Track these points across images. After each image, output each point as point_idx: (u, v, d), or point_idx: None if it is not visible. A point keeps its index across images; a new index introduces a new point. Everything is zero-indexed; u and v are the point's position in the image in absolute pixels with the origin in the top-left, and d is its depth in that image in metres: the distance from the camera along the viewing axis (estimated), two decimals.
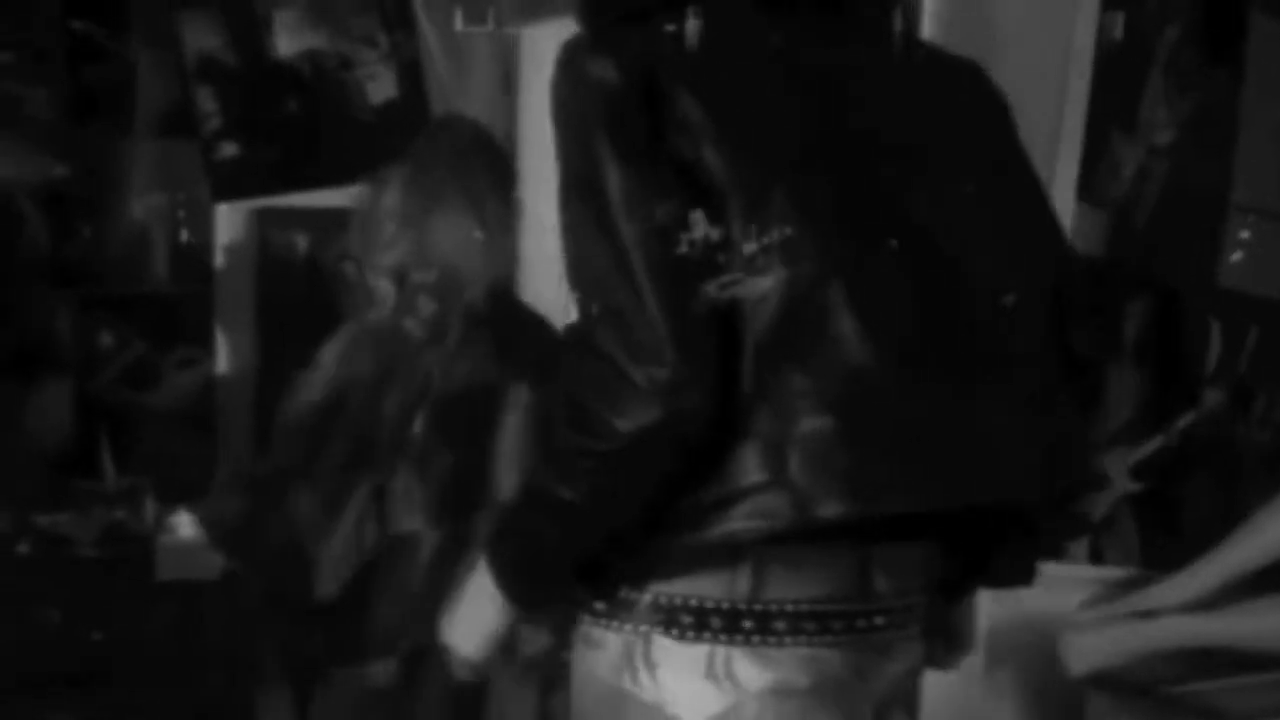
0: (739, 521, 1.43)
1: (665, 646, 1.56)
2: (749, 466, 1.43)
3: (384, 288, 2.58)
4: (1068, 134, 2.25)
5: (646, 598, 1.53)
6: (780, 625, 1.50)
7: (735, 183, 1.43)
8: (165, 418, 3.63)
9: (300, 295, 3.57)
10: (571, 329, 1.50)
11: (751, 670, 1.55)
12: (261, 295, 3.68)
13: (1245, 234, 2.69)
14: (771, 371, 1.43)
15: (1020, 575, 1.71)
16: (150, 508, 3.29)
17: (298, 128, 3.65)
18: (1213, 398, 2.71)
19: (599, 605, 1.57)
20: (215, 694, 2.87)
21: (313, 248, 3.63)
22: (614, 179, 1.43)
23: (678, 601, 1.52)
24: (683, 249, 1.46)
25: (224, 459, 3.63)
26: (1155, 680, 2.26)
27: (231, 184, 3.64)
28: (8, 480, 3.35)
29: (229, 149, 3.62)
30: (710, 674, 1.58)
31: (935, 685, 1.80)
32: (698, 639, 1.52)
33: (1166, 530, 2.57)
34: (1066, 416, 1.57)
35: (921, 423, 1.45)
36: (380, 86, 3.64)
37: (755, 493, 1.43)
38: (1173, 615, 2.22)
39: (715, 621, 1.51)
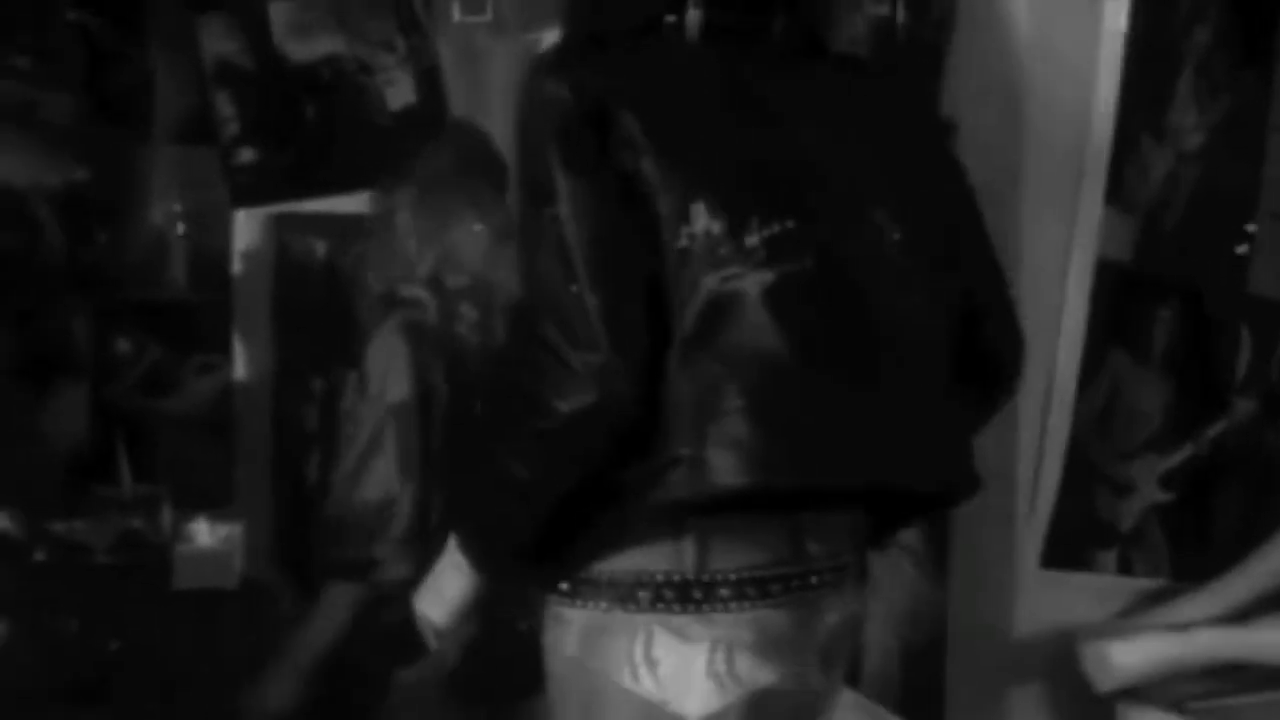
0: (665, 492, 1.62)
1: (666, 644, 1.69)
2: (674, 444, 1.62)
3: (424, 296, 2.58)
4: (1096, 138, 2.22)
5: (604, 576, 1.71)
6: (725, 593, 1.68)
7: (666, 193, 1.63)
8: (183, 424, 3.60)
9: (319, 301, 3.56)
10: (519, 321, 1.72)
11: (752, 665, 1.72)
12: (279, 301, 3.65)
13: (1276, 239, 2.64)
14: (694, 359, 1.62)
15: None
16: (167, 515, 3.25)
17: (316, 133, 3.64)
18: (1243, 406, 2.66)
19: (563, 586, 1.74)
20: (233, 705, 2.84)
21: (331, 253, 3.59)
22: (562, 186, 1.61)
23: (630, 579, 1.70)
24: (682, 242, 1.64)
25: (242, 466, 3.62)
26: (1185, 695, 2.21)
27: (250, 189, 3.62)
28: (23, 487, 3.32)
29: (247, 154, 3.61)
30: (711, 672, 1.72)
31: (963, 699, 1.77)
32: (652, 610, 1.69)
33: (1196, 541, 2.52)
34: (957, 413, 1.79)
35: (822, 408, 1.64)
36: (399, 92, 3.63)
37: (677, 466, 1.61)
38: (1204, 628, 2.16)
39: (668, 594, 1.69)
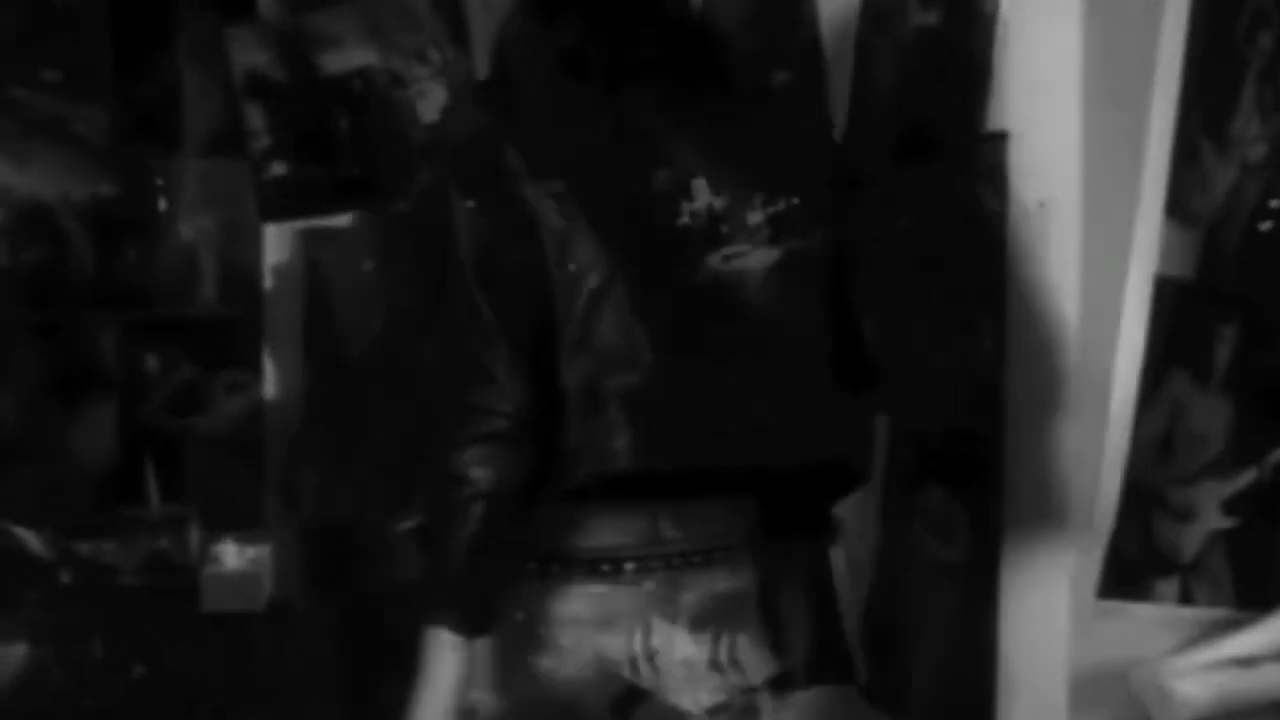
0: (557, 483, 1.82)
1: (665, 635, 1.82)
2: (565, 439, 1.82)
3: None
4: (1155, 149, 2.11)
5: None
6: (582, 569, 1.87)
7: (542, 210, 1.83)
8: (212, 443, 3.59)
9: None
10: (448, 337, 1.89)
11: (754, 659, 1.92)
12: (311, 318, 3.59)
13: None
14: (573, 361, 1.81)
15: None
16: (195, 536, 3.20)
17: (348, 146, 3.60)
18: None
19: None
20: None
21: None
22: (458, 210, 1.85)
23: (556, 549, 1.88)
24: (684, 219, 1.80)
25: (272, 488, 3.56)
26: None
27: (280, 204, 3.59)
28: (51, 506, 3.33)
29: (278, 168, 3.57)
30: (714, 664, 1.86)
31: None
32: (543, 585, 1.87)
33: (1261, 569, 2.42)
34: (817, 400, 1.92)
35: (676, 400, 1.83)
36: (431, 104, 3.57)
37: (563, 460, 1.82)
38: (1272, 662, 2.06)
39: (554, 568, 1.87)
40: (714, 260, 1.84)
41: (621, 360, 1.82)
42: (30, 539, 3.29)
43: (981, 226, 2.21)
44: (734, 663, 1.95)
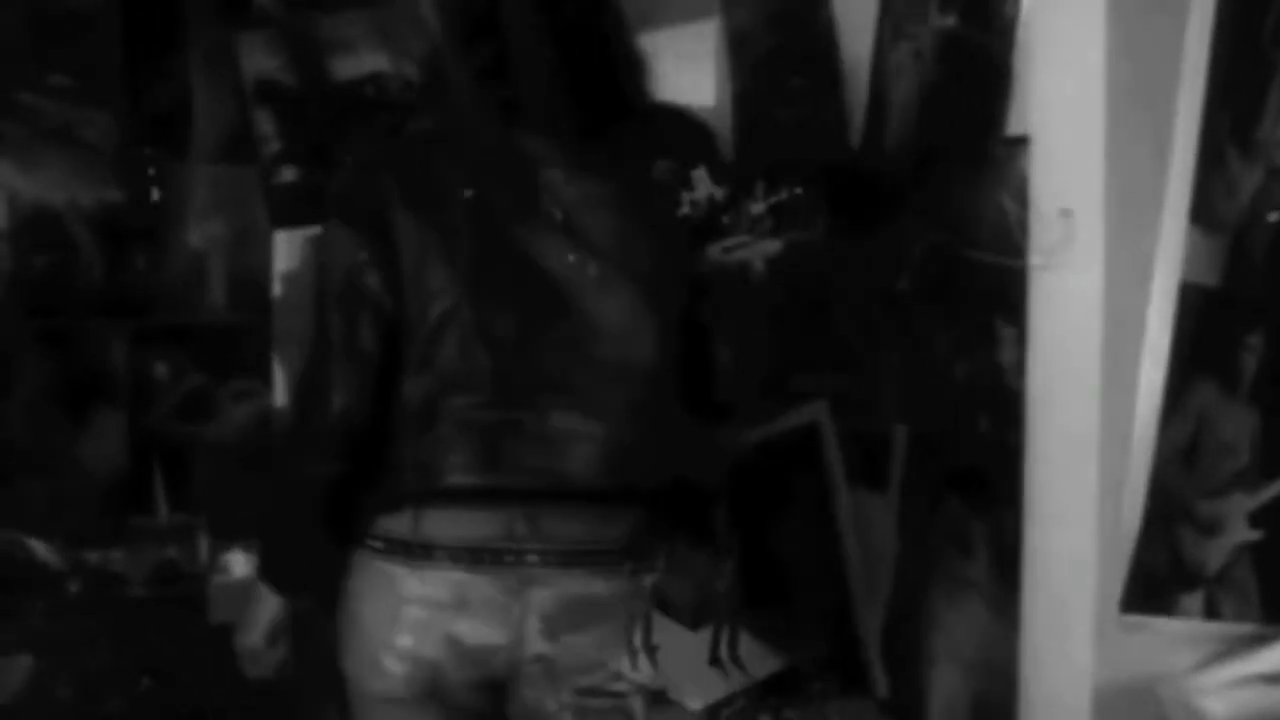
0: (395, 486, 2.04)
1: (666, 629, 1.91)
2: (402, 447, 2.02)
3: None
4: (1179, 152, 2.08)
5: (374, 535, 2.06)
6: (440, 554, 2.02)
7: (404, 236, 1.98)
8: (221, 452, 3.55)
9: None
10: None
11: (754, 652, 2.07)
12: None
13: None
14: (415, 379, 1.99)
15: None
16: (204, 545, 3.16)
17: None
18: None
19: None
20: None
21: None
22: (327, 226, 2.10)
23: (382, 535, 2.05)
24: (685, 210, 1.94)
25: None
26: None
27: (290, 210, 3.54)
28: (59, 516, 3.31)
29: (288, 174, 3.54)
30: (714, 659, 1.98)
31: None
32: (389, 559, 2.04)
33: None
34: (638, 427, 2.03)
35: (506, 425, 1.99)
36: None
37: (404, 467, 2.02)
38: None
39: (399, 548, 2.03)
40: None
41: (461, 381, 1.99)
42: (40, 549, 3.27)
43: (1002, 233, 2.18)
44: (735, 659, 2.08)
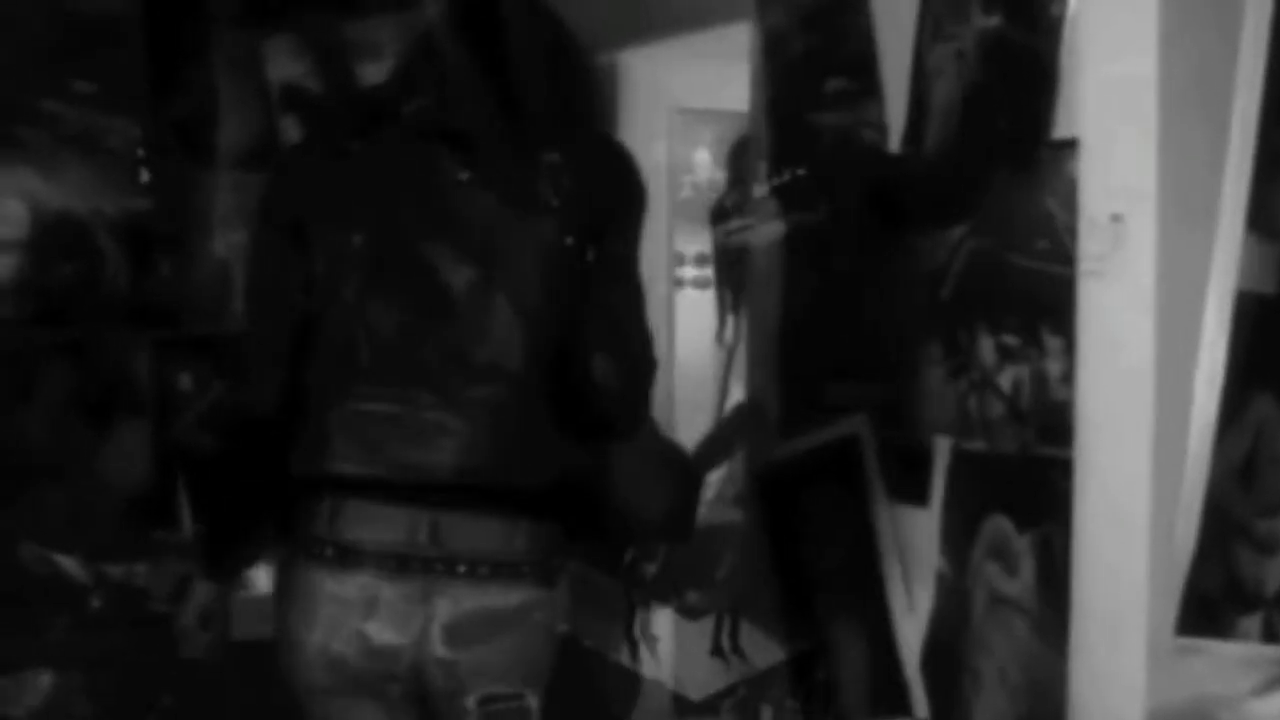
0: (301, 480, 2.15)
1: (666, 619, 1.97)
2: (298, 439, 2.16)
3: None
4: (1235, 157, 2.03)
5: (297, 534, 2.16)
6: (352, 557, 2.11)
7: (314, 238, 2.14)
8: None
9: None
10: None
11: (756, 641, 2.17)
12: None
13: None
14: (315, 372, 2.14)
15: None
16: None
17: None
18: None
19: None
20: None
21: None
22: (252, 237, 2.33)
23: (301, 535, 2.15)
24: (686, 193, 2.16)
25: None
26: None
27: None
28: (81, 529, 3.29)
29: None
30: (716, 649, 2.04)
31: None
32: (307, 557, 2.14)
33: None
34: (503, 426, 2.14)
35: (386, 417, 2.12)
36: None
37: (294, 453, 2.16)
38: None
39: (314, 548, 2.13)
40: None
41: (348, 374, 2.13)
42: (64, 563, 3.26)
43: (1049, 239, 2.14)
44: (736, 649, 2.16)
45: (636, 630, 1.99)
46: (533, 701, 2.21)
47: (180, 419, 3.49)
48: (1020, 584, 2.26)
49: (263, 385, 2.19)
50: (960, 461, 2.36)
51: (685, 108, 3.44)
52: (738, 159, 3.17)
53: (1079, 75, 2.10)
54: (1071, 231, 2.09)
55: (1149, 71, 1.97)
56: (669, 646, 2.09)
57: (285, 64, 3.51)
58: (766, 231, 2.73)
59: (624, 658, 1.92)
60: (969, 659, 2.36)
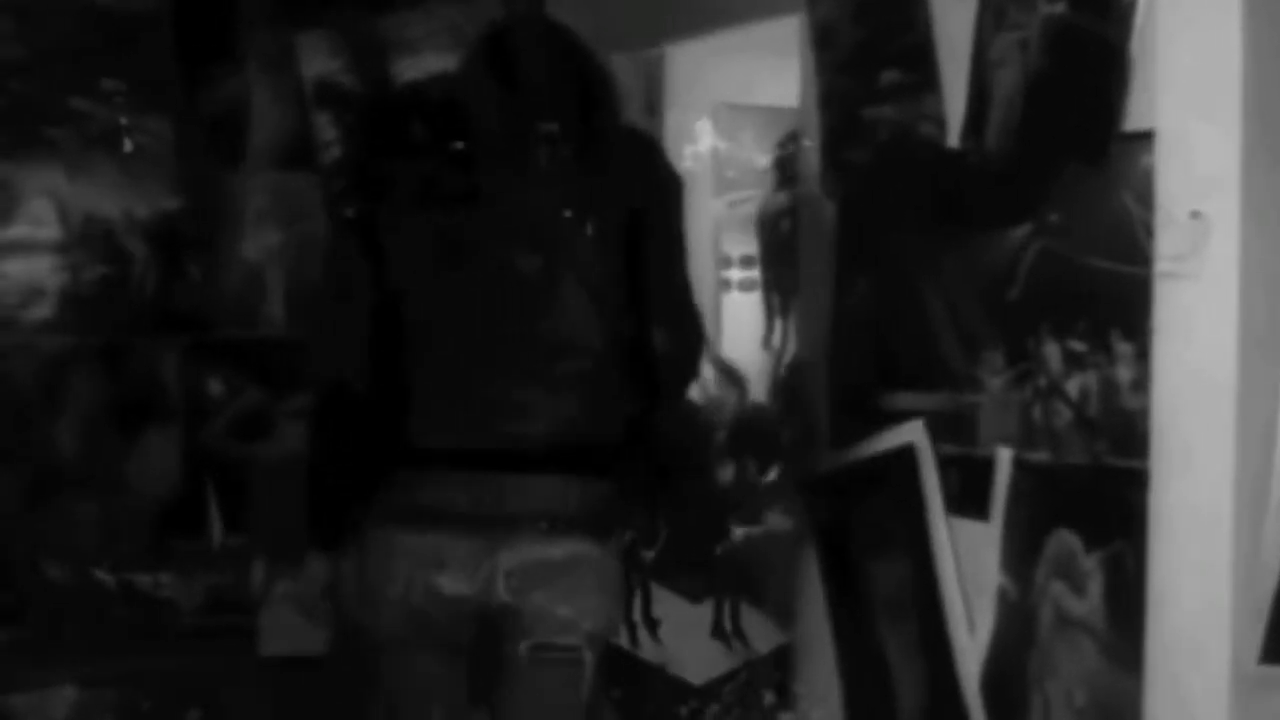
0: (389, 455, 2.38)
1: (667, 602, 2.05)
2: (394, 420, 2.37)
3: None
4: None
5: (378, 499, 2.37)
6: (428, 519, 2.33)
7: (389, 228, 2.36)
8: (278, 471, 3.39)
9: None
10: None
11: (758, 625, 2.29)
12: None
13: None
14: (412, 354, 2.34)
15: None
16: (259, 572, 3.06)
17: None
18: None
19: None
20: None
21: None
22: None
23: (383, 500, 2.37)
24: (687, 162, 2.16)
25: None
26: None
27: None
28: (108, 538, 3.26)
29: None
30: (717, 632, 2.11)
31: None
32: (388, 525, 2.35)
33: None
34: (586, 395, 2.35)
35: (467, 392, 2.33)
36: None
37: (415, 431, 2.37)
38: None
39: (395, 513, 2.36)
40: None
41: (433, 356, 2.33)
42: (93, 575, 3.22)
43: (1124, 237, 2.05)
44: (738, 632, 2.32)
45: (636, 613, 2.02)
46: (588, 656, 2.36)
47: (210, 426, 3.47)
48: (1088, 604, 2.19)
49: (357, 365, 2.37)
50: (1023, 473, 2.29)
51: (731, 103, 3.39)
52: (786, 156, 3.13)
53: (1154, 63, 2.02)
54: (1148, 229, 2.01)
55: (1232, 56, 1.89)
56: (669, 630, 2.12)
57: (319, 60, 3.48)
58: (817, 232, 2.70)
59: (623, 641, 1.95)
60: (1033, 681, 2.28)
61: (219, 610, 3.09)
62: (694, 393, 3.04)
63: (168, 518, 3.36)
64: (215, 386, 3.48)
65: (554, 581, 2.37)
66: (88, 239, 3.38)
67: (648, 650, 1.74)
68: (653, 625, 1.94)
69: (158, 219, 3.44)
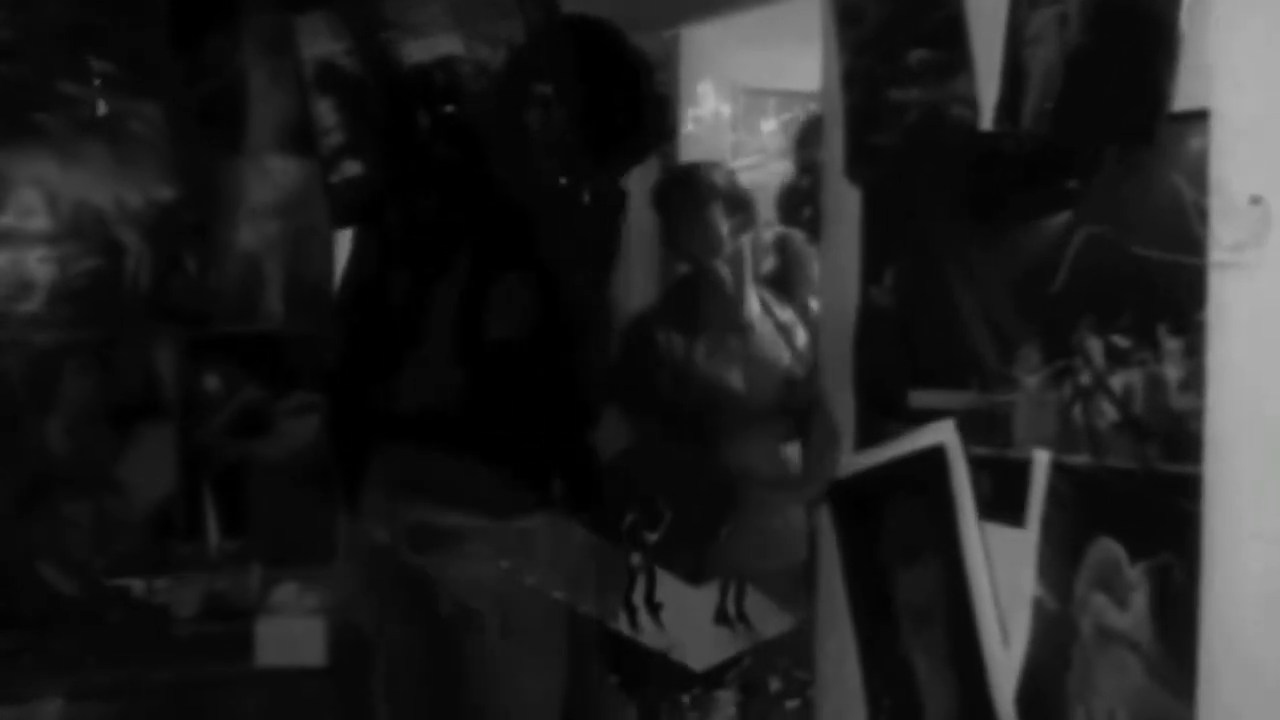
0: None
1: (670, 586, 2.00)
2: None
3: None
4: None
5: None
6: None
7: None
8: (278, 471, 3.42)
9: None
10: None
11: (763, 609, 2.27)
12: None
13: None
14: None
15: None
16: (257, 576, 3.00)
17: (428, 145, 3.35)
18: None
19: None
20: None
21: None
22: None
23: None
24: (689, 127, 2.37)
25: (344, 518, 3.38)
26: None
27: (354, 208, 3.33)
28: (101, 541, 3.24)
29: (352, 168, 3.36)
30: (721, 616, 2.05)
31: None
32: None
33: None
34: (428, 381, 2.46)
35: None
36: None
37: None
38: None
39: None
40: None
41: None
42: (83, 581, 3.19)
43: (1175, 225, 1.95)
44: (742, 616, 2.18)
45: (636, 597, 1.97)
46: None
47: (207, 424, 3.43)
48: (1132, 617, 2.09)
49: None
50: (1062, 477, 2.20)
51: (749, 87, 3.39)
52: (807, 142, 3.13)
53: (1210, 37, 1.91)
54: (1203, 215, 1.90)
55: None
56: (671, 615, 2.07)
57: (321, 42, 3.35)
58: (840, 221, 2.64)
59: (623, 626, 1.92)
60: (1072, 698, 2.19)
61: (216, 618, 3.03)
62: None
63: (162, 520, 3.33)
64: (212, 383, 3.43)
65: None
66: (78, 229, 3.34)
67: (649, 635, 1.69)
68: (655, 609, 1.90)
69: (151, 208, 3.39)
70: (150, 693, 2.77)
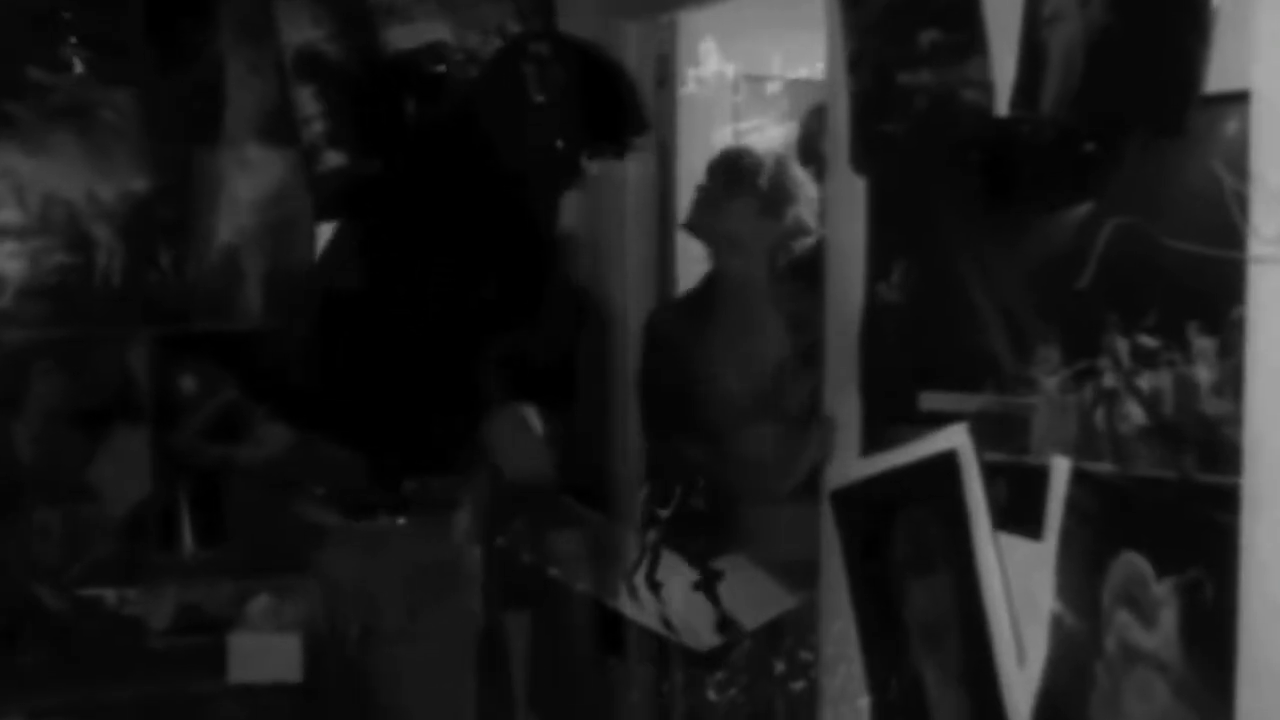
0: None
1: (671, 565, 2.06)
2: None
3: None
4: None
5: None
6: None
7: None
8: (256, 476, 3.36)
9: None
10: None
11: (766, 591, 2.42)
12: None
13: None
14: None
15: None
16: (231, 586, 2.98)
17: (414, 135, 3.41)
18: None
19: None
20: None
21: None
22: None
23: None
24: (690, 87, 2.48)
25: None
26: None
27: (337, 200, 3.32)
28: (71, 550, 3.16)
29: (334, 159, 3.42)
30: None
31: None
32: None
33: None
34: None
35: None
36: None
37: None
38: None
39: None
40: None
41: None
42: (52, 591, 3.12)
43: (1211, 216, 1.87)
44: (653, 586, 2.33)
45: (638, 577, 2.00)
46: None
47: (182, 427, 3.38)
48: (1160, 637, 2.02)
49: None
50: (1083, 486, 2.14)
51: (749, 74, 3.35)
52: (811, 131, 3.09)
53: (1250, 14, 1.82)
54: (1242, 204, 1.82)
55: None
56: (674, 595, 2.11)
57: (302, 28, 3.37)
58: (846, 213, 2.60)
59: (624, 605, 1.94)
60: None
61: (190, 630, 2.99)
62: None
63: (135, 528, 3.28)
64: (188, 384, 3.41)
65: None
66: (48, 223, 3.30)
67: (650, 616, 1.65)
68: (655, 587, 1.90)
69: (125, 201, 3.35)
70: (118, 710, 2.71)
